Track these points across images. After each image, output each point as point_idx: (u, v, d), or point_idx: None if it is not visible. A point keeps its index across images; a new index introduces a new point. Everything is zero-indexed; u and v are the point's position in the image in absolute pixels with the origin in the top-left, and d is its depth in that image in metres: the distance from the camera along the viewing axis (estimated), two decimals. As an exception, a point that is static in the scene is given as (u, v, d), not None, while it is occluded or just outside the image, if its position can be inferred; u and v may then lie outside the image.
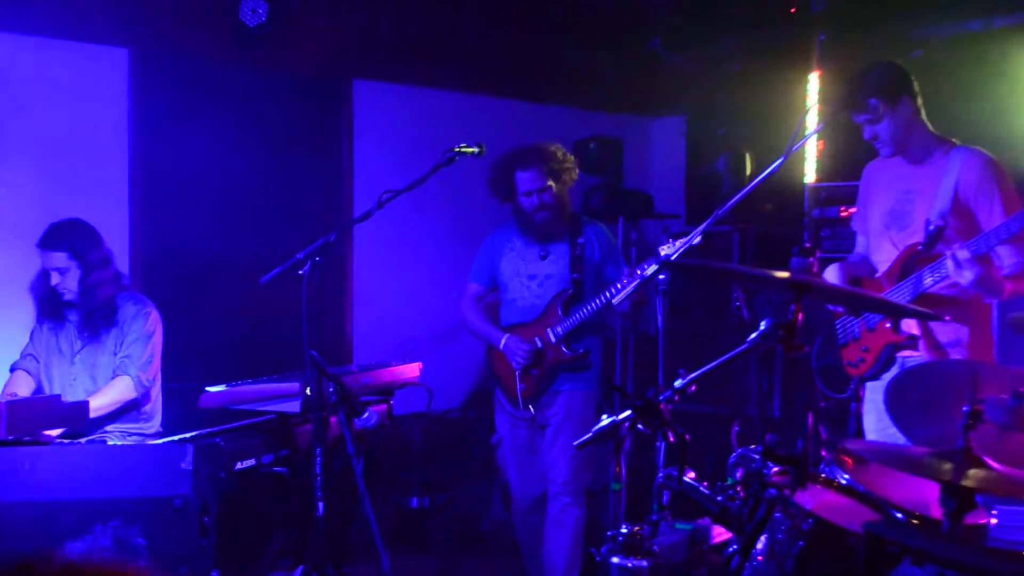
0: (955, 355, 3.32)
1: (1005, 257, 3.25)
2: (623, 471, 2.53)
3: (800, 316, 2.39)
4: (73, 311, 4.06)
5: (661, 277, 3.57)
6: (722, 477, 2.50)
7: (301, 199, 5.82)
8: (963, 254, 3.07)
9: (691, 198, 7.26)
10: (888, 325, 3.41)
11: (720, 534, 4.36)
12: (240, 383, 3.78)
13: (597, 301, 4.16)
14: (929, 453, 2.25)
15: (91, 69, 5.14)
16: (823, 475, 2.60)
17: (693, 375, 2.43)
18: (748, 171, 6.37)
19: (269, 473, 3.65)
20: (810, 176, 6.02)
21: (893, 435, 2.97)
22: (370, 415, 3.46)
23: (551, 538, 4.33)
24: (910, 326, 3.39)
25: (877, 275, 3.52)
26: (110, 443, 3.82)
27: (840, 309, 3.62)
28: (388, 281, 6.18)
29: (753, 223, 6.23)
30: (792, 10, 5.95)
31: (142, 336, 4.05)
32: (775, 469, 2.34)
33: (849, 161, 5.27)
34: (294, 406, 3.65)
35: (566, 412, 4.31)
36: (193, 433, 3.53)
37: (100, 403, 3.88)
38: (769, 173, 3.32)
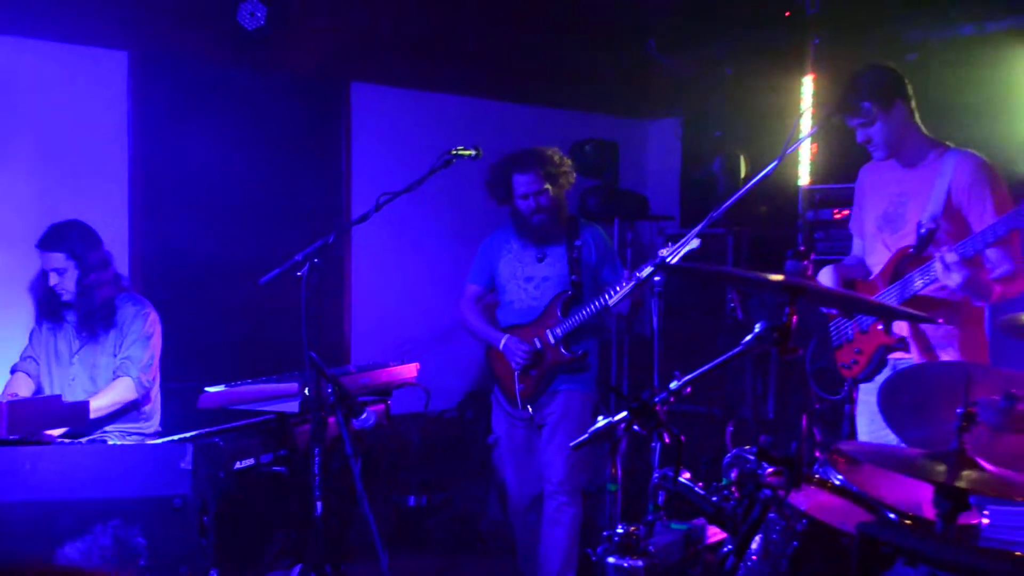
0: (945, 357, 3.32)
1: (995, 260, 3.25)
2: (619, 472, 2.55)
3: (794, 319, 2.42)
4: (71, 312, 4.08)
5: (657, 279, 3.60)
6: (717, 478, 2.51)
7: (300, 201, 5.84)
8: (951, 257, 3.07)
9: (686, 200, 7.27)
10: (880, 327, 3.42)
11: (715, 534, 4.38)
12: (239, 383, 3.79)
13: (596, 303, 4.18)
14: (922, 455, 2.27)
15: (91, 72, 5.16)
16: (817, 476, 2.60)
17: (688, 377, 2.45)
18: (743, 173, 6.40)
19: (268, 473, 3.67)
20: (804, 179, 6.05)
21: (886, 436, 3.00)
22: (368, 415, 3.48)
23: (547, 536, 4.35)
24: (900, 328, 3.40)
25: (871, 277, 3.53)
26: (110, 443, 3.84)
27: (834, 311, 3.64)
28: (386, 282, 6.19)
29: (748, 225, 6.25)
30: (787, 14, 5.99)
31: (142, 337, 4.06)
32: (769, 470, 2.36)
33: (843, 164, 5.30)
34: (293, 406, 3.65)
35: (563, 411, 4.33)
36: (192, 433, 3.56)
37: (101, 404, 3.89)
38: (764, 176, 3.34)
